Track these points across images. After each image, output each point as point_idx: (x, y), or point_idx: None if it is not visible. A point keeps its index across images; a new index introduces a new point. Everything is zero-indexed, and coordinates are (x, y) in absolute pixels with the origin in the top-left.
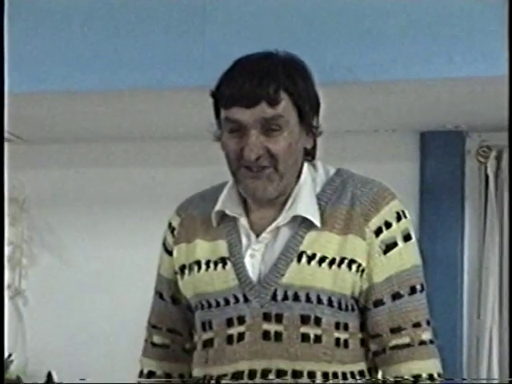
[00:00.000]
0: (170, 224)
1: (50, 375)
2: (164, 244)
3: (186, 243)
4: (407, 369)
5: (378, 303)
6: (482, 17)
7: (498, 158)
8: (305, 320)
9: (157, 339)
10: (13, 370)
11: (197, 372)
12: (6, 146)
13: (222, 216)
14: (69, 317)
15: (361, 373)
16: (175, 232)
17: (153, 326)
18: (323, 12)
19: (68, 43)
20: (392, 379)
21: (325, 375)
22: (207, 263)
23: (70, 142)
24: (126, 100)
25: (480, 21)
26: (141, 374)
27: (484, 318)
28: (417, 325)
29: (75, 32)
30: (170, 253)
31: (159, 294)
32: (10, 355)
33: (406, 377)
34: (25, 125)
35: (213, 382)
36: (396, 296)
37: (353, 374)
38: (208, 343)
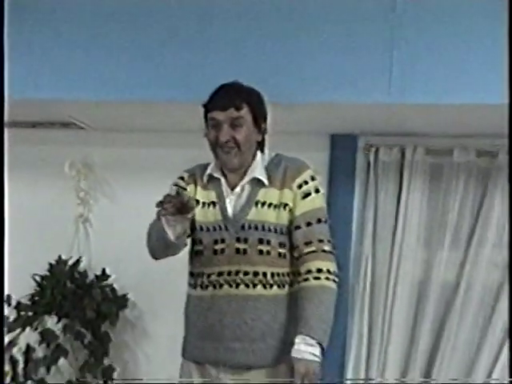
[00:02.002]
0: (181, 177)
1: (104, 270)
2: (176, 185)
3: (194, 186)
4: (314, 265)
5: (298, 228)
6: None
7: (376, 152)
8: (261, 241)
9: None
10: (81, 267)
11: (194, 270)
12: (83, 131)
13: (211, 177)
14: (119, 236)
15: (289, 273)
16: (185, 179)
17: None
18: (267, 52)
19: (107, 62)
20: (304, 271)
21: (272, 274)
22: (203, 203)
23: (123, 130)
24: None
25: (359, 53)
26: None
27: (363, 246)
28: (320, 241)
29: (108, 56)
30: (184, 189)
31: None
32: (80, 257)
33: (312, 269)
34: (91, 118)
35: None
36: (308, 224)
37: (288, 274)
38: (201, 253)
